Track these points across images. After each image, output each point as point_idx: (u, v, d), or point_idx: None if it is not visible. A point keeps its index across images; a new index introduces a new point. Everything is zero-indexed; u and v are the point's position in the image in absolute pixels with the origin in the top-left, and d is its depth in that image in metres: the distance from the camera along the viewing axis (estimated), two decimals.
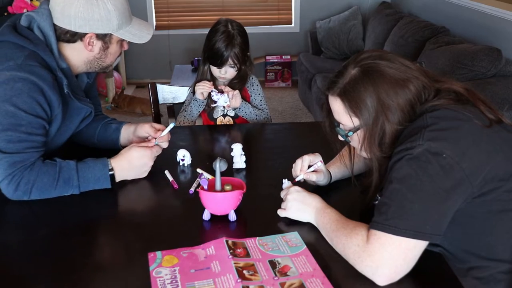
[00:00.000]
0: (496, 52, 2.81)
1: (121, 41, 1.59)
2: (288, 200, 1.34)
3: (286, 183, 1.43)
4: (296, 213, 1.34)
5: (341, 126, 1.30)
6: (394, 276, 1.10)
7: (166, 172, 1.61)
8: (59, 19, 1.48)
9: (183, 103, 2.37)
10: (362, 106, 1.21)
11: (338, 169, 1.55)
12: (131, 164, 1.56)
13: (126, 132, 1.76)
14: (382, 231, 1.10)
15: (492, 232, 1.19)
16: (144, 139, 1.70)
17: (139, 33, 1.59)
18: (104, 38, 1.53)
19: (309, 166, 1.48)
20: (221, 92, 2.12)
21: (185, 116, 2.24)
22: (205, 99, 2.16)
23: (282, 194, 1.40)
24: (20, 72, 1.40)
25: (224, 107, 2.16)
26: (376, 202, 1.31)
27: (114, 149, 1.67)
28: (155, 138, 1.66)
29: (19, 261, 1.21)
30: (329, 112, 1.33)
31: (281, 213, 1.36)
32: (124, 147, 1.64)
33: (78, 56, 1.55)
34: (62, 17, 1.48)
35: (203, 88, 2.13)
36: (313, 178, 1.47)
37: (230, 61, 2.10)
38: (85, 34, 1.50)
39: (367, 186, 1.34)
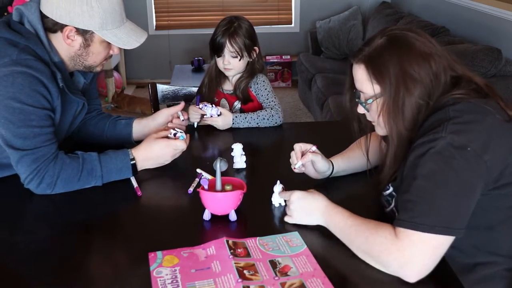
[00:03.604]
0: (496, 52, 2.81)
1: (107, 43, 1.53)
2: (292, 210, 1.32)
3: (278, 186, 1.42)
4: (303, 219, 1.31)
5: (361, 96, 1.29)
6: (423, 273, 1.10)
7: (132, 178, 1.57)
8: (44, 4, 1.47)
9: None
10: (384, 72, 1.20)
11: (342, 160, 1.54)
12: (152, 154, 1.58)
13: (139, 127, 1.78)
14: (411, 229, 1.09)
15: (502, 228, 1.20)
16: (164, 127, 1.70)
17: (126, 38, 1.52)
18: (84, 34, 1.49)
19: (304, 155, 1.49)
20: (212, 104, 1.99)
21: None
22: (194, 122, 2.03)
23: (273, 199, 1.40)
24: (16, 66, 1.39)
25: (230, 108, 2.15)
26: (386, 192, 1.31)
27: (125, 145, 1.67)
28: (178, 130, 1.64)
29: (20, 260, 1.21)
30: (350, 86, 1.32)
31: (289, 220, 1.33)
32: (137, 141, 1.65)
33: (62, 49, 1.52)
34: (46, 2, 1.46)
35: (191, 115, 1.98)
36: (309, 157, 1.47)
37: (229, 47, 2.07)
38: (64, 26, 1.47)
39: (381, 181, 1.33)
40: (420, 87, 1.19)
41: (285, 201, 1.39)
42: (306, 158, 1.48)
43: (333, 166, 1.53)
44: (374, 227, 1.17)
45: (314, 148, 1.50)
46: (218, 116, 1.98)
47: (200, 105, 1.97)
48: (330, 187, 1.53)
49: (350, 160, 1.56)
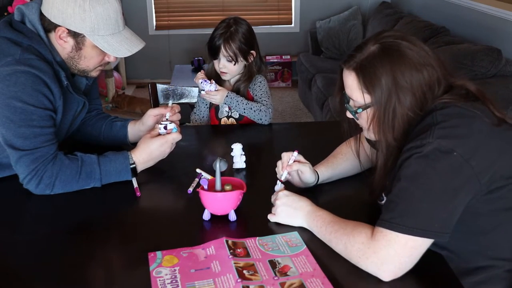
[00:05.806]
0: (496, 52, 2.81)
1: (100, 49, 1.49)
2: (277, 205, 1.33)
3: (279, 185, 1.43)
4: (286, 218, 1.33)
5: (351, 102, 1.27)
6: (399, 272, 1.11)
7: (133, 179, 1.56)
8: (44, 2, 1.47)
9: (188, 103, 2.40)
10: (376, 82, 1.18)
11: (325, 169, 1.52)
12: (152, 155, 1.57)
13: (133, 129, 1.77)
14: (389, 229, 1.10)
15: (498, 231, 1.19)
16: (154, 127, 1.67)
17: (118, 46, 1.49)
18: (76, 37, 1.47)
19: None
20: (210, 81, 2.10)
21: (194, 113, 2.27)
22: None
23: (273, 199, 1.39)
24: (19, 66, 1.40)
25: (229, 108, 2.16)
26: (381, 202, 1.31)
27: (122, 146, 1.67)
28: (167, 122, 1.61)
29: (20, 260, 1.21)
30: (341, 88, 1.30)
31: (271, 218, 1.34)
32: (133, 143, 1.65)
33: (58, 49, 1.51)
34: (45, 1, 1.46)
35: (197, 76, 2.17)
36: (295, 167, 1.44)
37: (223, 51, 2.08)
38: (57, 26, 1.46)
39: (374, 189, 1.33)
40: (412, 98, 1.17)
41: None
42: (293, 167, 1.44)
43: (318, 177, 1.50)
44: (351, 231, 1.17)
45: (296, 153, 1.45)
46: (216, 91, 2.06)
47: (200, 81, 2.08)
48: (323, 189, 1.53)
49: (334, 168, 1.54)
